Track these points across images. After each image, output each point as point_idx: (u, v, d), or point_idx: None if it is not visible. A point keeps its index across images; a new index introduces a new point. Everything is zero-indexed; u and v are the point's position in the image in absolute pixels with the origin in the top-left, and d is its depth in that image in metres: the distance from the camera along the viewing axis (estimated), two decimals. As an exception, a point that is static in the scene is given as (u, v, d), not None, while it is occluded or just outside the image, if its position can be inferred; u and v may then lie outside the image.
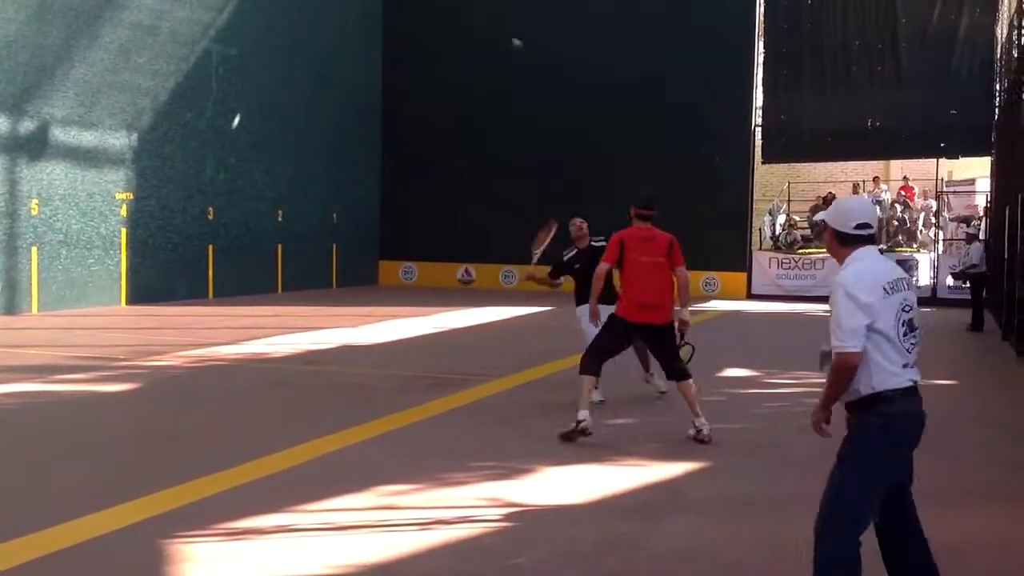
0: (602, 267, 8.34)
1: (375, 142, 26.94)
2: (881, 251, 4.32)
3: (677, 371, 8.14)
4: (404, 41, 26.68)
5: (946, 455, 7.31)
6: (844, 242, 4.15)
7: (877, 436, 4.00)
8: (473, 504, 6.09)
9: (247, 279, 21.98)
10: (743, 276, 24.66)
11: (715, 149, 24.42)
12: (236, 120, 21.88)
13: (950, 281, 22.27)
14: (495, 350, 13.98)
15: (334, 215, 25.04)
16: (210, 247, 21.06)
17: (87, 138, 18.30)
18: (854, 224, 4.12)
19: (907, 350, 4.04)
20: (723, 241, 24.38)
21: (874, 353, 3.98)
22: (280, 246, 23.17)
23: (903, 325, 4.03)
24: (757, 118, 25.10)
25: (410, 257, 26.81)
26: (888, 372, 3.99)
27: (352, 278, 25.63)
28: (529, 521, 5.84)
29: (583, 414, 7.81)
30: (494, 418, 8.98)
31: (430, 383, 10.68)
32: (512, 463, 7.15)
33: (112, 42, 18.68)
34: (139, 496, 6.05)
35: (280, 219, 23.14)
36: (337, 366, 11.95)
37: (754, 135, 25.10)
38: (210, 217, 21.11)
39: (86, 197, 18.30)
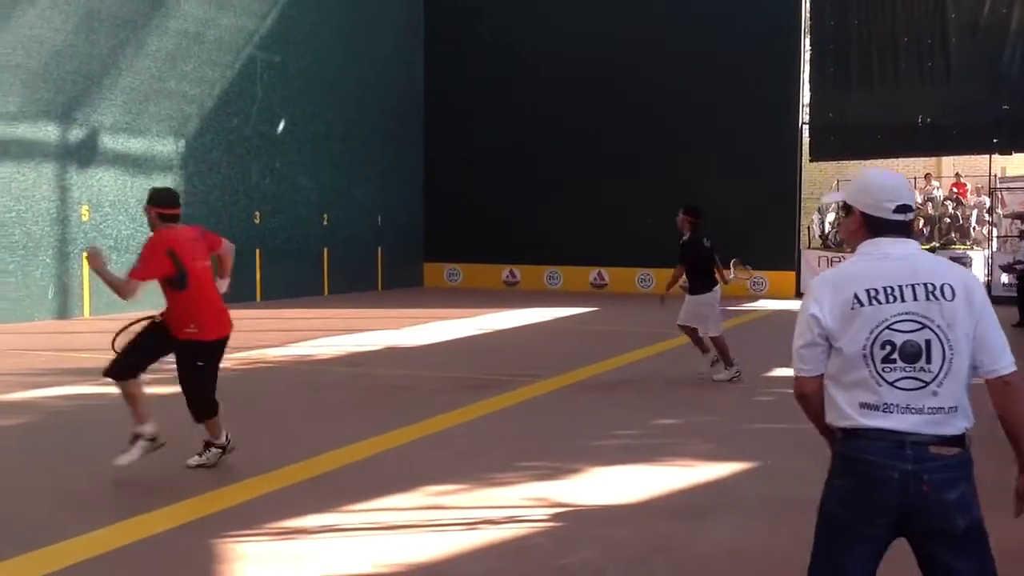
0: None
1: (418, 144, 27.01)
2: (933, 249, 3.74)
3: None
4: (446, 43, 26.73)
5: (995, 455, 7.16)
6: (878, 229, 3.11)
7: (826, 495, 3.16)
8: (520, 504, 6.06)
9: (294, 282, 22.13)
10: (792, 275, 24.38)
11: (762, 147, 24.20)
12: (281, 125, 22.05)
13: (1004, 278, 21.91)
14: (540, 352, 13.94)
15: (378, 218, 25.14)
16: (257, 251, 21.22)
17: (135, 145, 18.52)
18: (894, 206, 3.09)
19: (889, 383, 2.99)
20: (771, 240, 24.12)
21: (830, 382, 3.11)
22: (326, 249, 23.30)
23: (882, 347, 2.99)
24: (804, 116, 24.85)
25: (454, 259, 26.84)
26: (837, 409, 3.08)
27: (397, 280, 25.72)
28: (576, 521, 5.81)
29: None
30: (540, 419, 8.95)
31: (475, 384, 10.67)
32: (558, 463, 7.11)
33: (159, 50, 18.89)
34: (189, 497, 6.10)
35: (325, 223, 23.28)
36: (382, 368, 11.97)
37: (801, 133, 24.84)
38: (256, 221, 21.28)
39: (135, 203, 18.49)
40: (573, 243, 25.42)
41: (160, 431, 6.61)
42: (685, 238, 11.05)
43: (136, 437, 6.50)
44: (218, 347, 6.78)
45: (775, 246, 24.19)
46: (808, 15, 24.75)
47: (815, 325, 3.11)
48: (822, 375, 3.15)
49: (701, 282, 11.00)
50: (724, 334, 11.07)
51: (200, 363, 6.64)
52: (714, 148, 24.35)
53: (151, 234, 6.70)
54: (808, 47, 24.78)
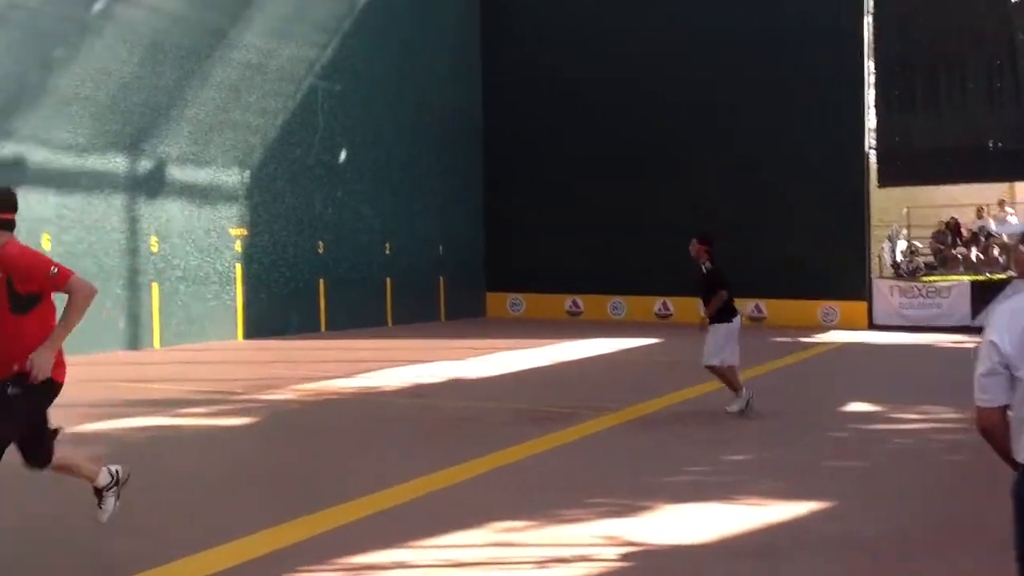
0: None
1: (478, 171, 27.05)
2: (1010, 279, 3.72)
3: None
4: (504, 69, 26.73)
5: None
6: None
7: (1016, 527, 3.17)
8: (589, 542, 5.93)
9: (357, 312, 22.22)
10: (863, 305, 23.89)
11: (828, 173, 23.86)
12: (343, 155, 22.22)
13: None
14: (605, 383, 13.79)
15: (440, 247, 25.19)
16: (321, 281, 21.36)
17: (201, 176, 18.77)
18: None
19: None
20: (840, 269, 23.73)
21: (1019, 410, 3.11)
22: (389, 279, 23.39)
23: None
24: (871, 140, 24.47)
25: (517, 289, 26.78)
26: (1016, 442, 3.10)
27: (460, 311, 25.71)
28: (647, 560, 5.66)
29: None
30: (607, 453, 8.81)
31: (541, 417, 10.56)
32: (627, 500, 6.96)
33: (223, 81, 19.17)
34: (256, 531, 6.05)
35: (388, 252, 23.36)
36: (447, 400, 11.90)
37: (868, 158, 24.45)
38: (320, 251, 21.43)
39: (202, 234, 18.74)
40: (637, 272, 25.21)
41: (117, 466, 5.81)
42: (710, 265, 10.98)
43: (98, 491, 5.68)
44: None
45: (844, 275, 23.79)
46: (871, 36, 24.37)
47: (995, 353, 3.14)
48: (1005, 406, 3.12)
49: (725, 311, 10.91)
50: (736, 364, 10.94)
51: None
52: (780, 176, 24.06)
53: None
54: (872, 69, 24.42)
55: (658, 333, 21.86)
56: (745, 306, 24.73)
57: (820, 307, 23.82)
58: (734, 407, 10.69)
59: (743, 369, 11.63)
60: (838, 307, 23.88)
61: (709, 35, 24.90)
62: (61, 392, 5.38)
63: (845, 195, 23.91)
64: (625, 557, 5.70)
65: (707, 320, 10.94)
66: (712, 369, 10.86)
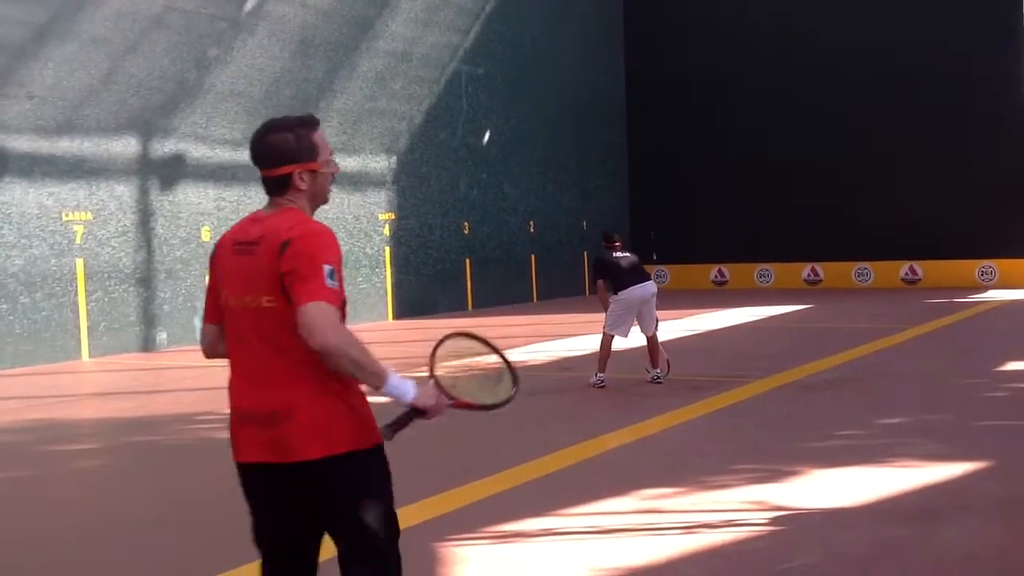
0: None
1: (621, 146, 27.00)
2: None
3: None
4: (646, 41, 26.60)
5: None
6: None
7: None
8: (738, 508, 5.95)
9: (503, 290, 22.54)
10: (1023, 263, 22.95)
11: (985, 132, 22.94)
12: (486, 136, 22.51)
13: None
14: (753, 351, 13.66)
15: (584, 223, 25.27)
16: (467, 261, 21.74)
17: (351, 163, 19.33)
18: None
19: None
20: (1001, 226, 22.81)
21: None
22: (533, 256, 23.62)
23: None
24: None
25: (661, 260, 26.65)
26: None
27: (605, 284, 25.73)
28: (798, 524, 5.65)
29: None
30: (755, 420, 8.77)
31: (688, 386, 10.56)
32: (777, 465, 6.94)
33: (369, 71, 19.67)
34: (411, 502, 6.29)
35: (532, 230, 23.59)
36: (593, 371, 12.00)
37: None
38: (465, 232, 21.80)
39: (352, 219, 19.32)
40: (784, 239, 24.80)
41: None
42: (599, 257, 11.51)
43: None
44: None
45: (1004, 233, 22.88)
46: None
47: None
48: None
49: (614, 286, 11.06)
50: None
51: None
52: (932, 133, 23.29)
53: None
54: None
55: (807, 299, 21.46)
56: (898, 269, 24.08)
57: (978, 267, 22.94)
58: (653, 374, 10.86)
59: (897, 332, 11.33)
60: (996, 266, 22.95)
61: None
62: (224, 375, 5.64)
63: (1002, 151, 22.95)
64: (774, 521, 5.70)
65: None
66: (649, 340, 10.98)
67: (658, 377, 10.80)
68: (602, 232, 12.07)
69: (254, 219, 3.21)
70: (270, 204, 3.22)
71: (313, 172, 3.21)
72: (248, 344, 3.15)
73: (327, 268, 3.02)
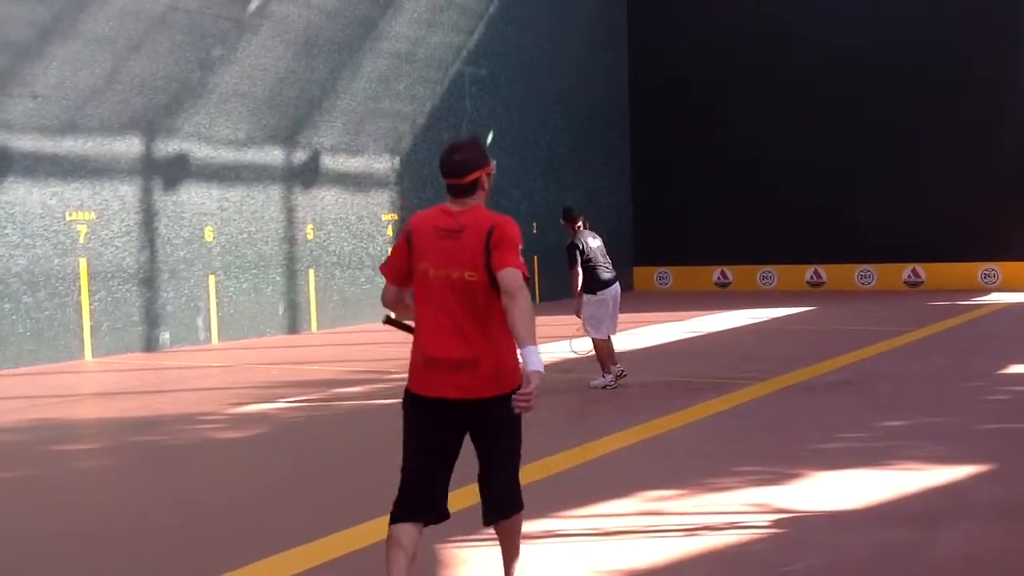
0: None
1: (623, 148, 27.00)
2: None
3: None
4: (649, 43, 26.62)
5: None
6: None
7: None
8: (740, 510, 5.95)
9: (506, 291, 22.52)
10: (1026, 265, 22.98)
11: (987, 133, 22.95)
12: (490, 137, 22.52)
13: None
14: (756, 353, 13.65)
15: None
16: (470, 262, 21.75)
17: (354, 164, 19.34)
18: None
19: None
20: (1004, 228, 22.81)
21: None
22: (536, 257, 23.61)
23: None
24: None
25: (664, 262, 26.65)
26: None
27: (608, 286, 25.73)
28: (800, 527, 5.65)
29: None
30: (757, 422, 8.77)
31: (690, 388, 10.57)
32: (779, 468, 6.94)
33: (373, 72, 19.68)
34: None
35: (535, 231, 23.58)
36: (596, 372, 12.00)
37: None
38: (469, 233, 21.80)
39: (356, 220, 19.34)
40: (787, 241, 24.80)
41: None
42: (570, 241, 10.67)
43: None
44: None
45: (1007, 235, 22.88)
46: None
47: None
48: None
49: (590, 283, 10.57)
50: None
51: None
52: (935, 134, 23.29)
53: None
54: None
55: (810, 301, 21.46)
56: (901, 271, 24.06)
57: (980, 269, 22.93)
58: (597, 382, 10.55)
59: (899, 335, 11.34)
60: (999, 268, 22.94)
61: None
62: (226, 375, 5.75)
63: (1005, 154, 22.95)
64: (776, 524, 5.70)
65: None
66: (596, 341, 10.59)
67: (622, 373, 10.55)
68: (563, 209, 11.16)
69: (447, 212, 4.21)
70: (456, 203, 4.20)
71: (489, 174, 4.24)
72: (447, 307, 4.04)
73: (520, 248, 4.06)
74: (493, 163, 4.34)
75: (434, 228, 4.16)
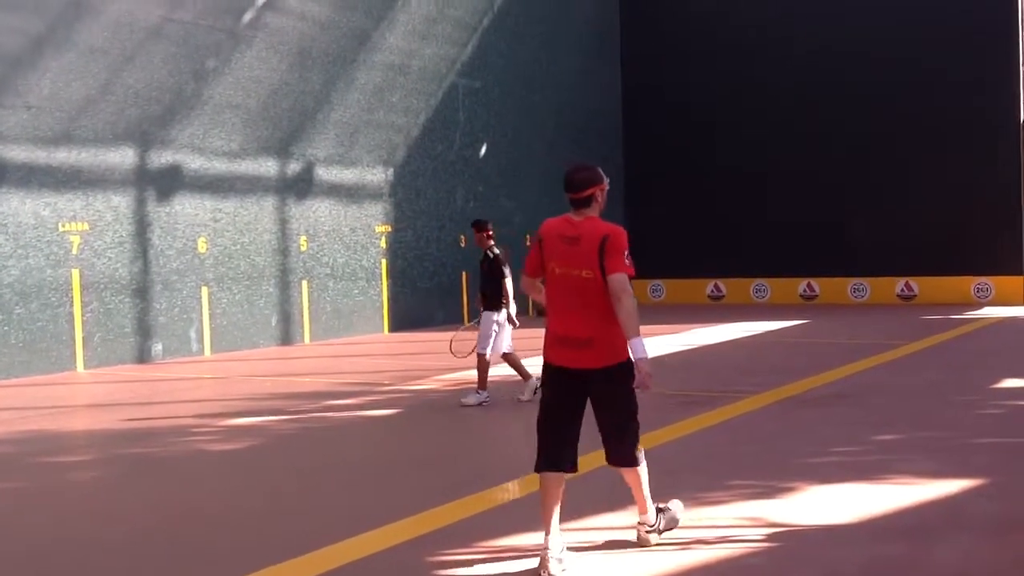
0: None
1: (616, 161, 27.00)
2: None
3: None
4: (643, 56, 26.67)
5: None
6: None
7: None
8: (733, 524, 5.94)
9: (500, 303, 22.50)
10: (1019, 280, 22.98)
11: (980, 146, 23.01)
12: (483, 150, 22.53)
13: None
14: (749, 367, 13.65)
15: (581, 237, 25.25)
16: (464, 274, 21.72)
17: (347, 176, 19.34)
18: None
19: None
20: (995, 243, 22.87)
21: None
22: (530, 270, 23.63)
23: None
24: (1025, 110, 23.46)
25: (657, 275, 26.63)
26: None
27: (602, 298, 25.72)
28: (793, 541, 5.64)
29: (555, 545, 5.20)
30: (750, 436, 8.76)
31: (683, 401, 10.55)
32: (772, 482, 6.93)
33: (367, 83, 19.69)
34: (405, 516, 6.27)
35: (528, 244, 23.58)
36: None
37: (1022, 128, 23.46)
38: (462, 245, 21.80)
39: (349, 232, 19.32)
40: (780, 254, 24.83)
41: None
42: (495, 252, 10.71)
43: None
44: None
45: (998, 249, 22.94)
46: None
47: None
48: None
49: (496, 300, 10.64)
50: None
51: None
52: (928, 150, 23.37)
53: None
54: (1025, 33, 23.43)
55: (803, 315, 21.48)
56: (894, 285, 24.10)
57: (973, 283, 22.98)
58: (524, 395, 10.55)
59: (894, 348, 11.33)
60: (992, 283, 23.00)
61: (852, 12, 24.30)
62: (219, 387, 5.86)
63: (998, 168, 23.03)
64: (770, 538, 5.69)
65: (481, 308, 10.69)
66: (484, 358, 10.53)
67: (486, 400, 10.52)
68: (474, 221, 11.08)
69: (569, 222, 5.25)
70: (576, 213, 5.23)
71: (603, 190, 5.27)
72: (571, 298, 5.19)
73: (626, 253, 5.15)
74: (607, 181, 5.31)
75: (559, 235, 5.26)
